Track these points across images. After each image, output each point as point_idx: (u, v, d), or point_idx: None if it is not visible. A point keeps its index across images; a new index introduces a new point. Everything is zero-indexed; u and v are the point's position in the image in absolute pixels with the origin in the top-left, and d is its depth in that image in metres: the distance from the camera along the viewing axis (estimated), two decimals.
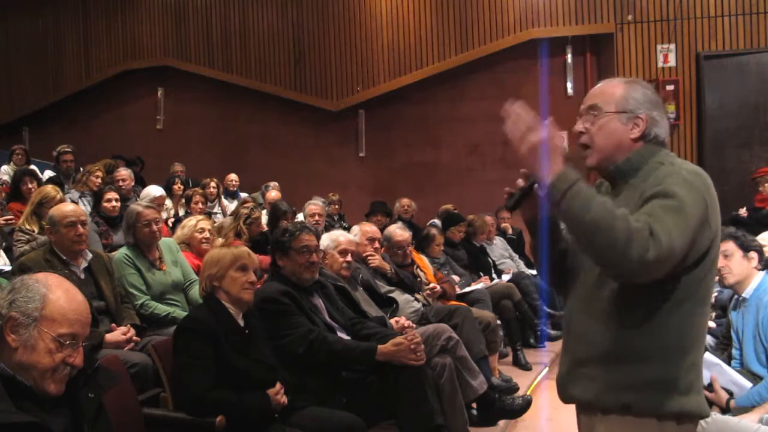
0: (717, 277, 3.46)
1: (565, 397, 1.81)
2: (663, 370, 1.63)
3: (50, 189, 4.92)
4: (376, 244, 4.53)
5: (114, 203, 5.39)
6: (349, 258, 3.86)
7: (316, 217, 5.84)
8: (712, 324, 4.11)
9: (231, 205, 7.58)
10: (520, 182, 1.73)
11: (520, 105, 1.61)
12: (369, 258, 4.42)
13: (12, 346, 1.67)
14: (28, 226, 4.60)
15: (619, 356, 1.66)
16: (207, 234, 4.46)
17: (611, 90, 1.75)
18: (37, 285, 1.72)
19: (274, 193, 7.28)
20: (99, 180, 6.43)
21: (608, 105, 1.72)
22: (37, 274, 1.79)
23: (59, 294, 1.73)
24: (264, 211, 6.65)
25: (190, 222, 4.56)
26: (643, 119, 1.71)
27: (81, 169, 7.60)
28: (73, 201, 6.05)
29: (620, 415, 1.66)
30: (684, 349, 1.65)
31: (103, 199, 5.42)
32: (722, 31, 8.45)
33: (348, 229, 5.33)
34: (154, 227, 3.86)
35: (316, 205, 6.14)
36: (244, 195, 8.34)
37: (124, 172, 6.57)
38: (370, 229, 4.65)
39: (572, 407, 1.87)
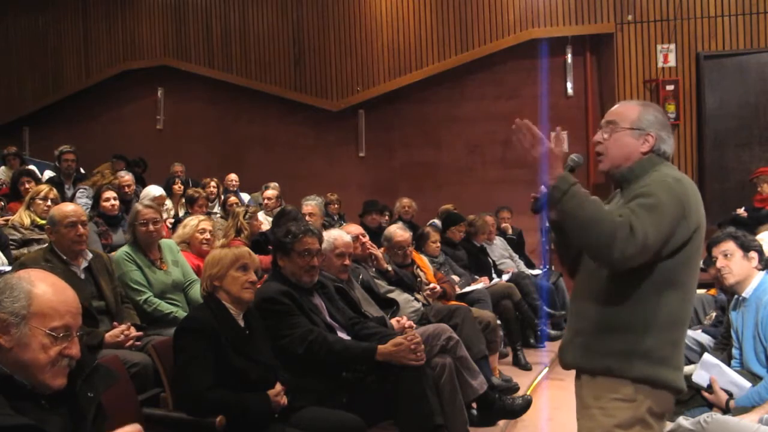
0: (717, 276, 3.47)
1: (562, 363, 2.13)
2: (641, 341, 1.92)
3: (43, 186, 5.06)
4: (362, 239, 4.45)
5: (113, 202, 5.34)
6: (347, 261, 3.79)
7: (314, 217, 5.77)
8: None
9: None
10: (544, 189, 1.98)
11: (528, 122, 1.95)
12: (370, 250, 4.41)
13: (6, 347, 1.65)
14: (18, 220, 4.74)
15: (606, 327, 1.97)
16: (208, 235, 4.45)
17: (628, 110, 2.08)
18: (20, 283, 1.69)
19: (269, 192, 7.26)
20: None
21: (624, 122, 2.06)
22: (19, 272, 1.75)
23: (45, 288, 1.70)
24: (262, 212, 6.65)
25: (192, 222, 4.53)
26: (653, 137, 2.04)
27: (82, 169, 7.60)
28: (87, 198, 6.05)
29: (603, 377, 1.96)
30: (662, 325, 1.93)
31: (101, 198, 5.36)
32: (722, 31, 8.45)
33: None
34: (151, 227, 3.85)
35: (311, 204, 6.05)
36: (244, 195, 8.35)
37: (127, 177, 6.54)
38: (353, 228, 4.54)
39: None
